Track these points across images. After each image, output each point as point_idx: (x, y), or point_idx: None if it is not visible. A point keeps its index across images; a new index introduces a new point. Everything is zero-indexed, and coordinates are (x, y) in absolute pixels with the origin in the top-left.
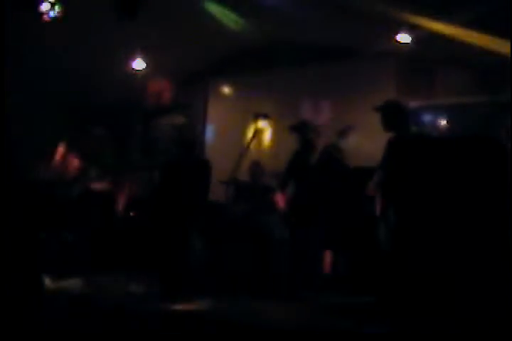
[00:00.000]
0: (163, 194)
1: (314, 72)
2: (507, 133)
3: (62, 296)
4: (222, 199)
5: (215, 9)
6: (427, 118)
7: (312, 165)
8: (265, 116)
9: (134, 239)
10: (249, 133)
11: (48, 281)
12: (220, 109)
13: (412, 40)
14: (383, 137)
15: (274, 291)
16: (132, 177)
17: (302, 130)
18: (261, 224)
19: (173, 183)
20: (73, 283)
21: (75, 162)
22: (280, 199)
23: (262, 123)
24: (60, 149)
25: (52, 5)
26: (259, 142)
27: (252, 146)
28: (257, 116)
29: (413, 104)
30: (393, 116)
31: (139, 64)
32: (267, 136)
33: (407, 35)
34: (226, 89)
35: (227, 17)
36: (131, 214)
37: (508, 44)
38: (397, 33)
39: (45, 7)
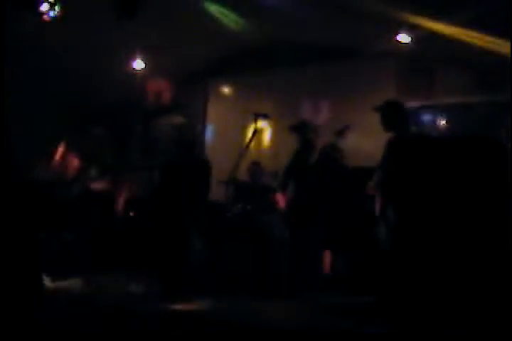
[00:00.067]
0: (163, 194)
1: (314, 72)
2: (507, 133)
3: (62, 296)
4: (222, 199)
5: (215, 9)
6: (426, 118)
7: (311, 165)
8: (265, 116)
9: (134, 239)
10: (249, 133)
11: (47, 281)
12: (219, 109)
13: (412, 40)
14: (383, 137)
15: (274, 291)
16: (132, 177)
17: (302, 130)
18: (261, 224)
19: (173, 183)
20: (73, 283)
21: (74, 162)
22: (280, 199)
23: (261, 124)
24: (60, 149)
25: (52, 5)
26: (259, 142)
27: (251, 146)
28: (256, 116)
29: (413, 103)
30: (393, 115)
31: (138, 64)
32: (267, 135)
33: (407, 35)
34: (226, 89)
35: (227, 17)
36: (131, 214)
37: (508, 44)
38: (397, 33)
39: (44, 7)
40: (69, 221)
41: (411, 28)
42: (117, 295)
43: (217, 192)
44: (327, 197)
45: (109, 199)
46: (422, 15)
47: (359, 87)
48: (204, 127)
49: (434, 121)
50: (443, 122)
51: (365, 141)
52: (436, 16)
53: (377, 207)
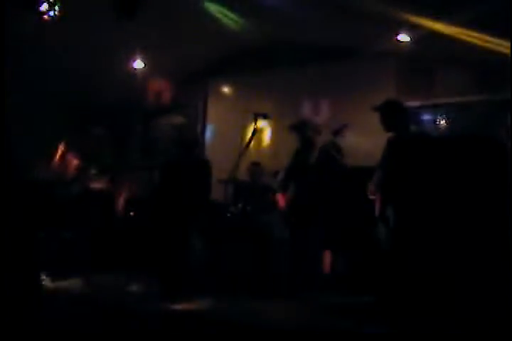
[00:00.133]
0: (163, 194)
1: (314, 71)
2: (506, 133)
3: (62, 296)
4: (222, 198)
5: (215, 9)
6: (426, 117)
7: (311, 164)
8: (265, 116)
9: (134, 239)
10: (249, 133)
11: (47, 281)
12: (219, 109)
13: (412, 40)
14: (383, 137)
15: (274, 291)
16: (132, 177)
17: (302, 129)
18: (261, 224)
19: (173, 183)
20: (73, 283)
21: (74, 161)
22: (280, 199)
23: (261, 123)
24: (60, 149)
25: (52, 5)
26: (259, 142)
27: (251, 146)
28: (256, 116)
29: (412, 103)
30: (393, 115)
31: (138, 64)
32: (267, 135)
33: (406, 35)
34: (226, 89)
35: (226, 17)
36: (131, 213)
37: (508, 44)
38: (397, 33)
39: (44, 7)
40: (69, 220)
41: (411, 28)
42: (117, 294)
43: (216, 192)
44: (327, 197)
45: (109, 199)
46: (422, 15)
47: (359, 86)
48: (204, 127)
49: (433, 121)
50: (443, 122)
51: (365, 141)
52: (436, 16)
53: (377, 206)
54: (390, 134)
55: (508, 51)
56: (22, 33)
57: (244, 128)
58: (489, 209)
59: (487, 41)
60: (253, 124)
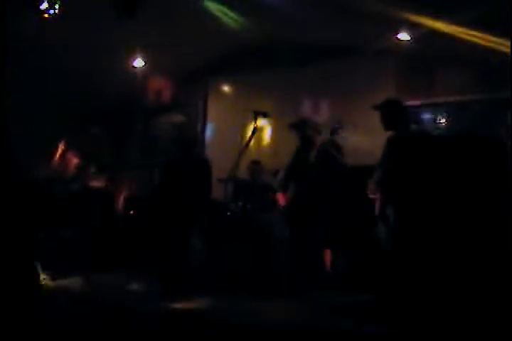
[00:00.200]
0: (163, 193)
1: (314, 71)
2: (506, 131)
3: (62, 295)
4: (222, 197)
5: (215, 8)
6: (426, 116)
7: (311, 162)
8: (265, 115)
9: (134, 238)
10: (249, 132)
11: (47, 280)
12: (219, 108)
13: (412, 39)
14: (383, 135)
15: (274, 291)
16: (132, 176)
17: (302, 128)
18: (260, 223)
19: (173, 182)
20: (73, 282)
21: (74, 160)
22: (281, 199)
23: (261, 122)
24: (60, 148)
25: (52, 3)
26: (259, 140)
27: (251, 145)
28: (256, 114)
29: (413, 102)
30: (393, 114)
31: (138, 62)
32: (267, 134)
33: (406, 34)
34: (226, 88)
35: (226, 15)
36: (131, 212)
37: (508, 43)
38: (397, 32)
39: (44, 5)
40: (69, 219)
41: (411, 27)
42: (117, 294)
43: (216, 191)
44: (327, 196)
45: (108, 198)
46: (422, 14)
47: (359, 85)
48: (204, 126)
49: (434, 120)
50: (443, 120)
51: (365, 140)
52: (436, 15)
53: (377, 205)
54: (390, 133)
55: (508, 50)
56: (22, 33)
57: (244, 127)
58: (489, 208)
59: (487, 40)
60: (253, 123)
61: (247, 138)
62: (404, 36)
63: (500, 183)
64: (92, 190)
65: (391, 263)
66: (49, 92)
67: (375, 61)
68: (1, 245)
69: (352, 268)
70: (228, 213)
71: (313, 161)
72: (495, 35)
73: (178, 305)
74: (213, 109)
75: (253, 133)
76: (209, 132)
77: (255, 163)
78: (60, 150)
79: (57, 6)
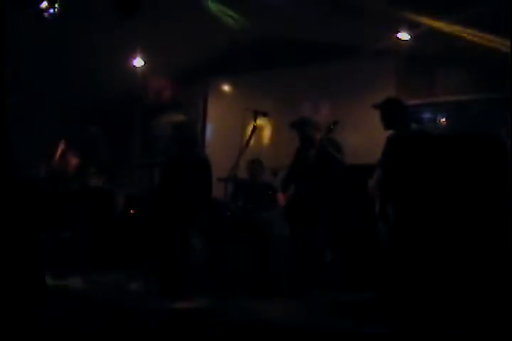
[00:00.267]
0: (163, 192)
1: (314, 70)
2: (506, 131)
3: (62, 295)
4: (222, 197)
5: (215, 8)
6: (426, 116)
7: (311, 161)
8: (264, 114)
9: (134, 238)
10: (249, 131)
11: (47, 280)
12: (220, 108)
13: (412, 39)
14: (382, 135)
15: (274, 291)
16: (132, 176)
17: (302, 127)
18: (260, 222)
19: (173, 182)
20: (73, 282)
21: (74, 160)
22: (281, 198)
23: (261, 121)
24: (60, 148)
25: (52, 2)
26: (259, 140)
27: (251, 144)
28: (256, 113)
29: (413, 101)
30: (393, 113)
31: (139, 62)
32: (267, 133)
33: (406, 33)
34: (226, 88)
35: (227, 15)
36: (131, 212)
37: (508, 43)
38: (397, 32)
39: (44, 5)
40: (69, 219)
41: (411, 27)
42: (117, 293)
43: (216, 191)
44: (327, 195)
45: (108, 198)
46: (422, 14)
47: (359, 85)
48: (204, 126)
49: (434, 119)
50: (443, 120)
51: (365, 139)
52: (436, 15)
53: (377, 204)
54: (390, 132)
55: (508, 50)
56: (22, 33)
57: (244, 126)
58: (489, 208)
59: (487, 40)
60: (253, 122)
61: (247, 137)
62: (404, 36)
63: (500, 183)
64: (92, 190)
65: (391, 263)
66: (49, 92)
67: (375, 61)
68: (4, 245)
69: (352, 267)
70: (228, 213)
71: (313, 159)
72: (495, 35)
73: (178, 305)
74: (213, 109)
75: (253, 132)
76: (209, 132)
77: (255, 163)
78: (60, 150)
79: (57, 5)
